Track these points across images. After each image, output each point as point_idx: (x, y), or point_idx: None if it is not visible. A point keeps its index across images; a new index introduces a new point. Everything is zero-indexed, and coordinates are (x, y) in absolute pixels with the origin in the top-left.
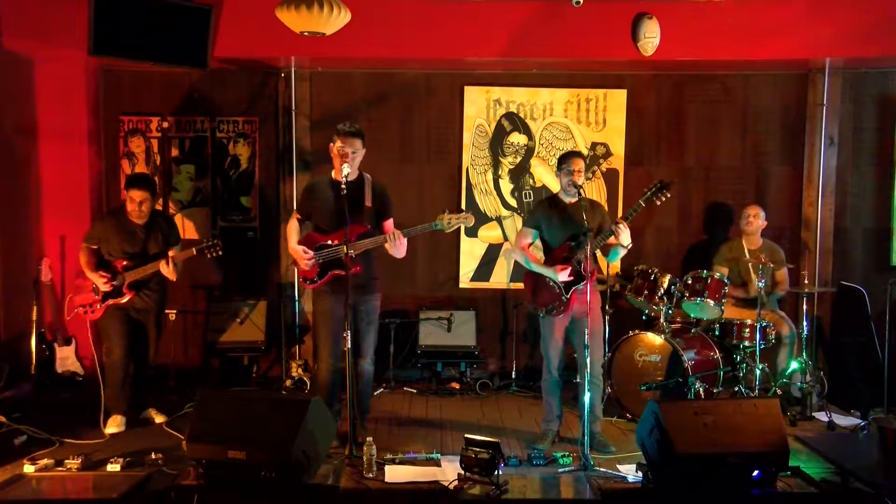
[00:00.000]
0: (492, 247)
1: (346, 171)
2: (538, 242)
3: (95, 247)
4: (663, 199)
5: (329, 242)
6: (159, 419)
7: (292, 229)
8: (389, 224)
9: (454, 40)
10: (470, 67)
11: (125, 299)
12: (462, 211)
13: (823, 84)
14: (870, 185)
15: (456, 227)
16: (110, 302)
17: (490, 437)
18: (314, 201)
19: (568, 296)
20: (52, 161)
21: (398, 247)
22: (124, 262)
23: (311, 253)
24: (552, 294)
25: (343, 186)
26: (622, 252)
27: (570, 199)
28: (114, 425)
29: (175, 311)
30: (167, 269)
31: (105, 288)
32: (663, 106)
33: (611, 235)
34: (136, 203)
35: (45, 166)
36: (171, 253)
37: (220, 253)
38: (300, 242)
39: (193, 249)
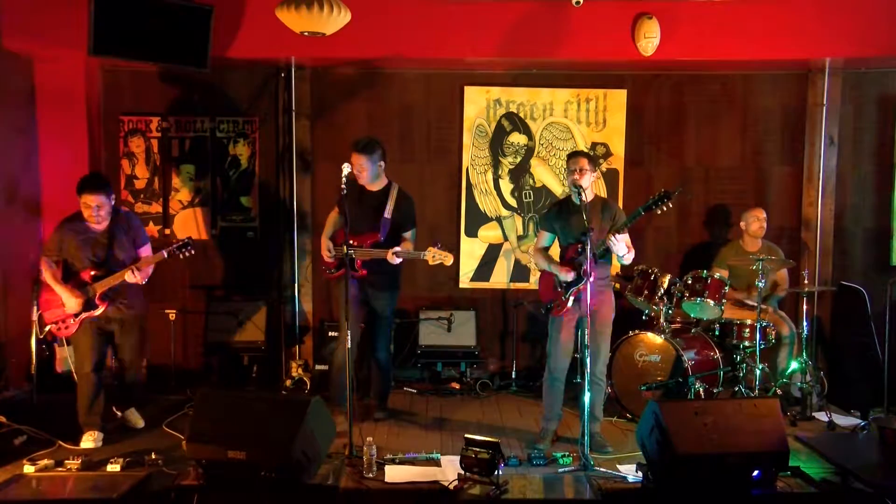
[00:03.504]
0: (492, 247)
1: (345, 172)
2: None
3: (57, 259)
4: (664, 208)
5: (351, 242)
6: (138, 424)
7: (330, 221)
8: (409, 235)
9: (454, 40)
10: (470, 67)
11: (98, 311)
12: (445, 250)
13: (823, 84)
14: (870, 185)
15: (437, 262)
16: (83, 316)
17: (490, 437)
18: (347, 200)
19: (567, 296)
20: (52, 161)
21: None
22: (92, 272)
23: (334, 250)
24: (554, 293)
25: (343, 187)
26: (624, 260)
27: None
28: (90, 440)
29: (175, 311)
30: (134, 277)
31: (74, 307)
32: (663, 106)
33: (603, 245)
34: (91, 209)
35: (45, 166)
36: (143, 254)
37: (192, 252)
38: (332, 236)
39: (164, 252)
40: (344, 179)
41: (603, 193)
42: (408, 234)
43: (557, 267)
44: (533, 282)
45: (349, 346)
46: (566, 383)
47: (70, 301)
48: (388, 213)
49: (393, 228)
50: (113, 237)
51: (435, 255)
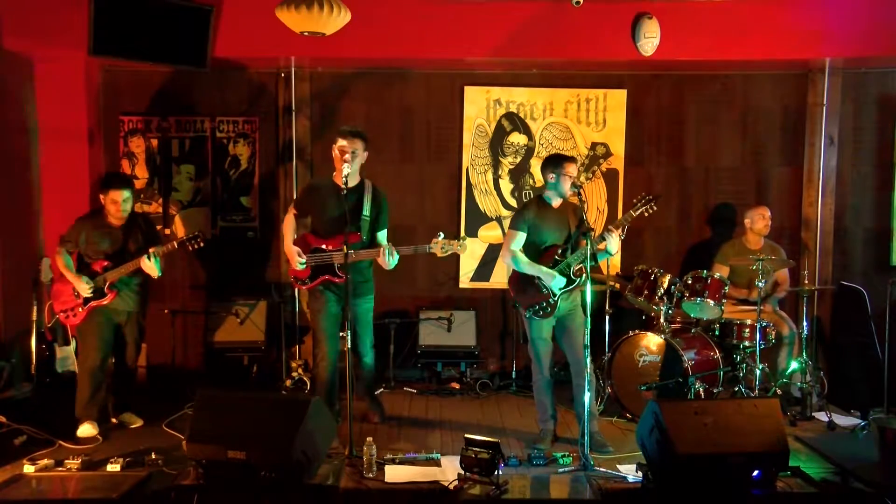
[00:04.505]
0: (492, 247)
1: (345, 172)
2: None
3: (74, 250)
4: (650, 211)
5: (323, 247)
6: (136, 423)
7: (289, 226)
8: (383, 235)
9: (454, 40)
10: (470, 67)
11: (106, 300)
12: (458, 238)
13: (823, 84)
14: (870, 185)
15: (449, 253)
16: (93, 304)
17: (490, 437)
18: (313, 202)
19: (555, 299)
20: (52, 161)
21: (389, 262)
22: (104, 263)
23: (305, 257)
24: (540, 295)
25: (343, 188)
26: (607, 257)
27: (556, 203)
28: (86, 432)
29: (175, 311)
30: (148, 265)
31: (86, 293)
32: (663, 106)
33: (602, 241)
34: (118, 203)
35: (45, 166)
36: (151, 249)
37: (202, 244)
38: (295, 242)
39: (175, 243)
40: (344, 179)
41: (603, 194)
42: (382, 234)
43: (549, 273)
44: None
45: (348, 345)
46: (557, 382)
47: (81, 291)
48: (366, 212)
49: (371, 227)
50: (129, 233)
51: (444, 246)
